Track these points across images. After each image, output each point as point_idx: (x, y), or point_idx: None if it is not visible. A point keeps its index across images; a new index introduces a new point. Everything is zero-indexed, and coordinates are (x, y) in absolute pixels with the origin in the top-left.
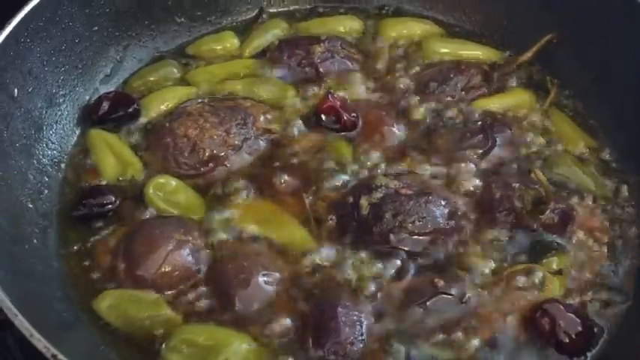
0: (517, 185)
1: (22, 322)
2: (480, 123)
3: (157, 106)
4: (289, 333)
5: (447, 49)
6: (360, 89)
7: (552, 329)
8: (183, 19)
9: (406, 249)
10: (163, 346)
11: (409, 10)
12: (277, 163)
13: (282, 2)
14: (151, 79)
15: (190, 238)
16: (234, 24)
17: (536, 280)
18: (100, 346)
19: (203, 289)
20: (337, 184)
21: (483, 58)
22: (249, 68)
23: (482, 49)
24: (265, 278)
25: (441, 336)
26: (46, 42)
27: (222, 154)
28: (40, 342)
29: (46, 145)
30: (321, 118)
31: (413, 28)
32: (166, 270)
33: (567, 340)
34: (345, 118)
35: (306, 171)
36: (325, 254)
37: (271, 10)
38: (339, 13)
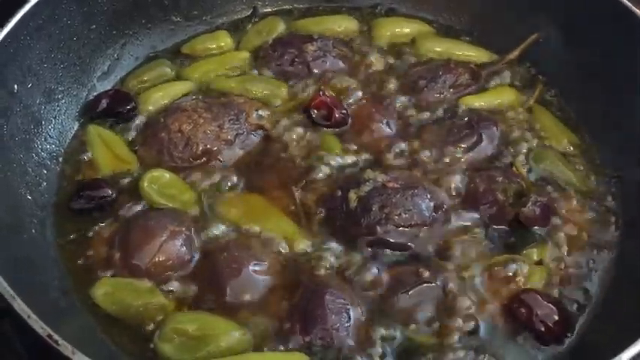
0: (500, 179)
1: (19, 305)
2: (466, 119)
3: (155, 101)
4: (278, 320)
5: (438, 48)
6: (350, 87)
7: (529, 318)
8: (179, 19)
9: (392, 240)
10: (156, 334)
11: (401, 11)
12: (268, 158)
13: (276, 2)
14: (146, 78)
15: (183, 229)
16: (229, 23)
17: (517, 271)
18: (96, 331)
19: (195, 278)
20: (326, 178)
21: (472, 57)
22: (244, 63)
23: (471, 48)
24: (256, 268)
25: (423, 323)
26: (45, 40)
27: (215, 148)
28: (36, 323)
29: (45, 139)
30: (312, 114)
31: (405, 28)
32: (160, 259)
33: (544, 329)
34: (335, 114)
35: (297, 165)
36: (314, 245)
37: (266, 10)
38: (334, 12)
